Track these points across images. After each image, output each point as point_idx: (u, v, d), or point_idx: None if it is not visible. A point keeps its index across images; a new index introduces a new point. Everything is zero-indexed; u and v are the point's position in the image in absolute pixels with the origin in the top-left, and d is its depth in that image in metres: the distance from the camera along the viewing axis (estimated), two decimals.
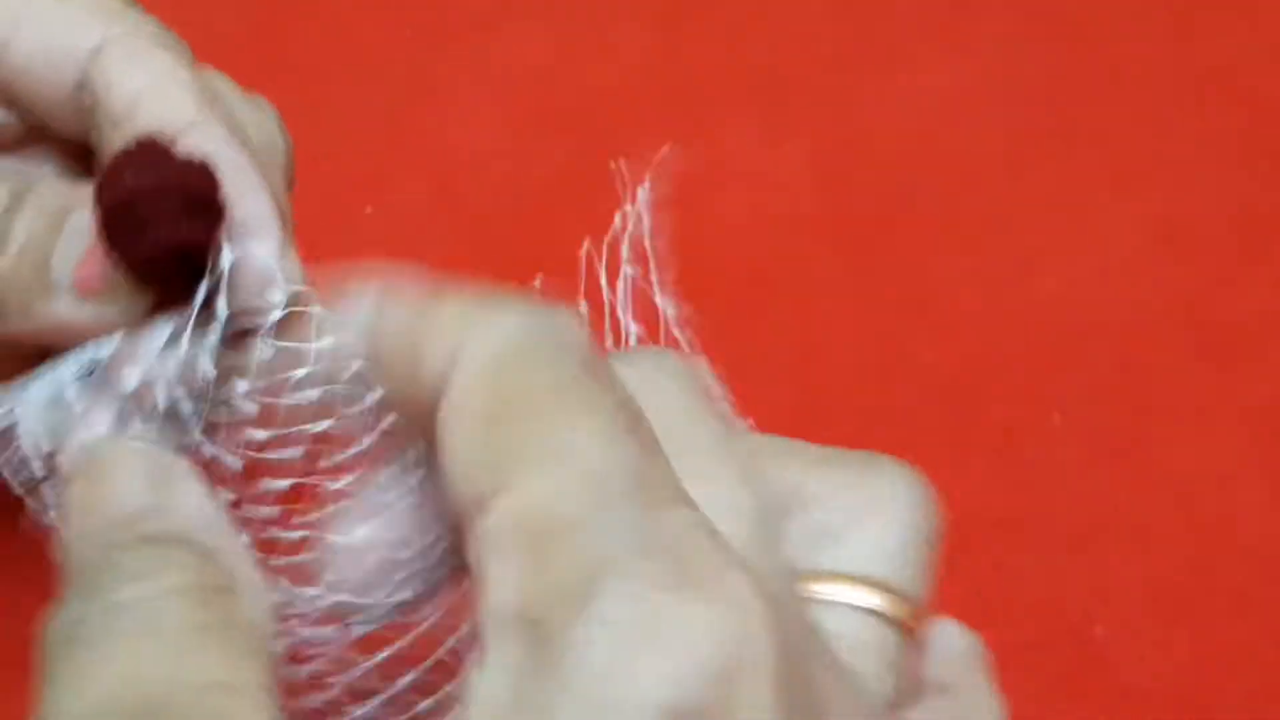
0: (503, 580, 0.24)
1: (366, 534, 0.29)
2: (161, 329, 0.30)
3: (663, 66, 0.56)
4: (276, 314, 0.30)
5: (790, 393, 0.47)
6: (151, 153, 0.30)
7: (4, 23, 0.33)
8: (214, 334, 0.30)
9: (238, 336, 0.31)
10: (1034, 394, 0.48)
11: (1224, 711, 0.41)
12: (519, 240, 0.48)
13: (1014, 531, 0.44)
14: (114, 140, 0.32)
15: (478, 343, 0.26)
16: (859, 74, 0.56)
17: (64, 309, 0.30)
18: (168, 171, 0.29)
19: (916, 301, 0.50)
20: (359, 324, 0.28)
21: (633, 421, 0.26)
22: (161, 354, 0.30)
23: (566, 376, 0.26)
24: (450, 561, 0.29)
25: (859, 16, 0.58)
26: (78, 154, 0.35)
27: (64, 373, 0.30)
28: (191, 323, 0.30)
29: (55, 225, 0.31)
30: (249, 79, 0.58)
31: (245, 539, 0.29)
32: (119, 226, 0.29)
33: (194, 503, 0.28)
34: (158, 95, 0.32)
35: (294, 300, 0.31)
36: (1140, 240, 0.52)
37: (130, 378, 0.30)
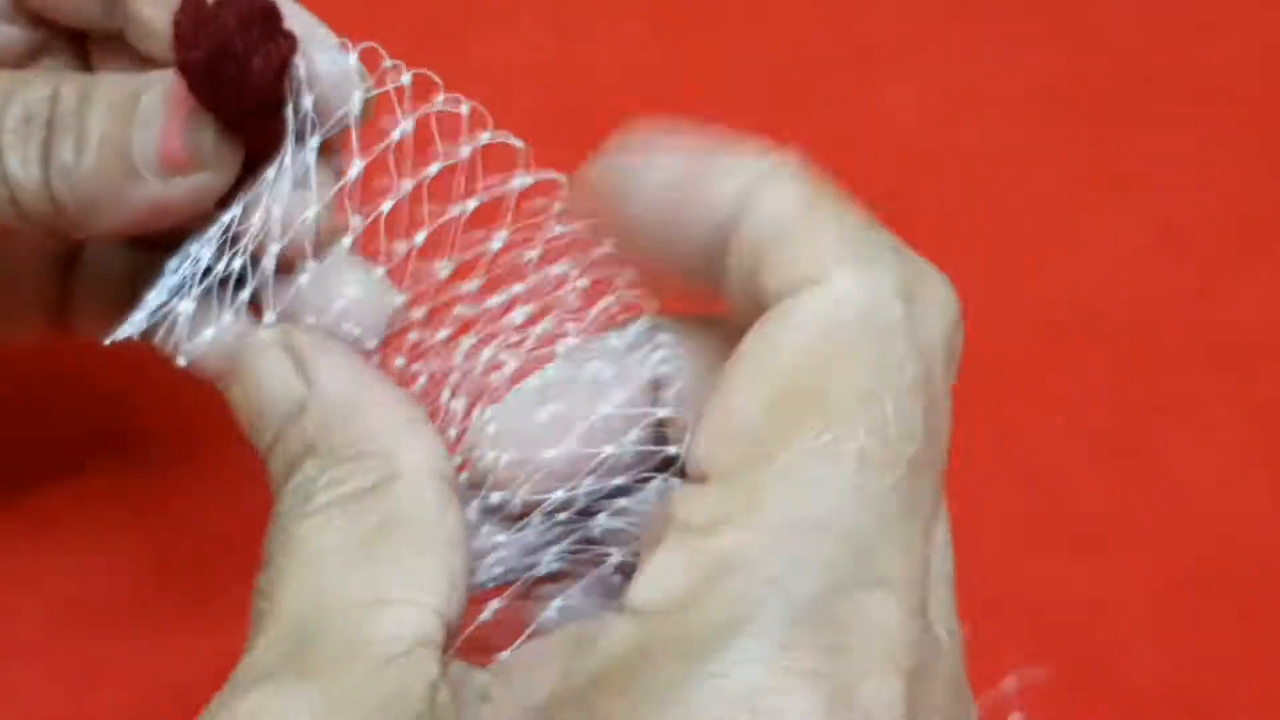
0: (664, 570, 0.24)
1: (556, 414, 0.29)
2: (270, 175, 0.30)
3: (663, 66, 0.56)
4: (357, 106, 0.30)
5: None
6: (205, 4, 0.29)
7: None
8: (311, 152, 0.30)
9: (327, 151, 0.31)
10: (1035, 394, 0.47)
11: (1225, 713, 0.41)
12: None
13: (1015, 532, 0.44)
14: (131, 5, 0.32)
15: (826, 294, 0.25)
16: (859, 74, 0.56)
17: (155, 190, 0.30)
18: (238, 6, 0.29)
19: None
20: (724, 205, 0.26)
21: (918, 473, 0.24)
22: (277, 195, 0.30)
23: (880, 389, 0.24)
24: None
25: (859, 17, 0.58)
26: (84, 63, 0.35)
27: (201, 250, 0.30)
28: (290, 154, 0.30)
29: (128, 113, 0.30)
30: None
31: (416, 396, 0.28)
32: (218, 73, 0.29)
33: (340, 382, 0.28)
34: None
35: (370, 98, 0.31)
36: (1140, 240, 0.52)
37: (272, 232, 0.30)
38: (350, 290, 0.30)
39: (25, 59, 0.35)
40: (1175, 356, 0.49)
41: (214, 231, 0.30)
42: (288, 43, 0.30)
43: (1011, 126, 0.55)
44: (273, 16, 0.29)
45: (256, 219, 0.30)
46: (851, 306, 0.24)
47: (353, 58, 0.31)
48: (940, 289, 0.26)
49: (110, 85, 0.31)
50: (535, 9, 0.58)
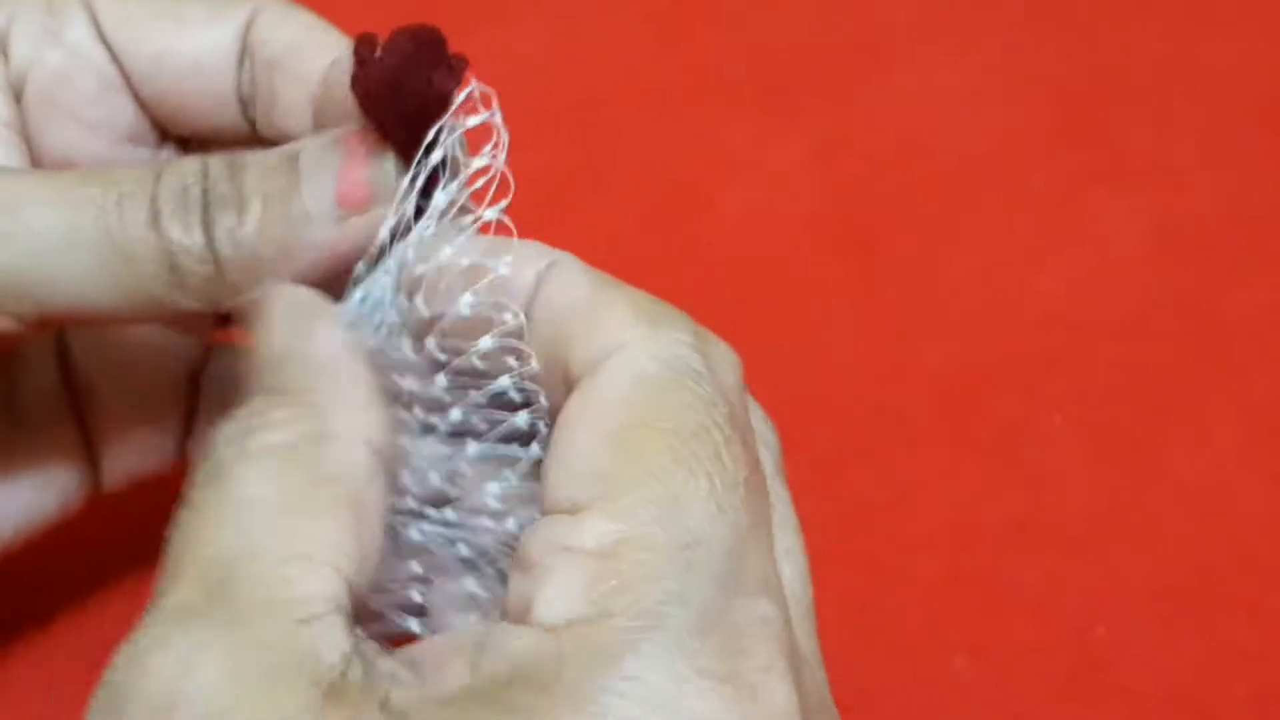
0: (563, 590, 0.26)
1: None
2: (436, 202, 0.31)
3: (663, 66, 0.56)
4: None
5: (790, 392, 0.47)
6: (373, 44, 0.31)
7: (154, 37, 0.35)
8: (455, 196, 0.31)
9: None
10: (1035, 394, 0.47)
11: (1226, 713, 0.41)
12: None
13: (1015, 532, 0.44)
14: (275, 84, 0.34)
15: (635, 352, 0.28)
16: (859, 73, 0.56)
17: (329, 233, 0.31)
18: (411, 32, 0.31)
19: (916, 301, 0.50)
20: (522, 288, 0.29)
21: (753, 491, 0.27)
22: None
23: (707, 423, 0.27)
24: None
25: (859, 16, 0.58)
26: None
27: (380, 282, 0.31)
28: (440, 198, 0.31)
29: (288, 171, 0.31)
30: None
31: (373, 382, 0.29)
32: (401, 90, 0.30)
33: (316, 344, 0.29)
34: (314, 37, 0.34)
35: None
36: (1140, 240, 0.52)
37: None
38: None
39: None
40: (1175, 356, 0.49)
41: (383, 266, 0.31)
42: (460, 64, 0.31)
43: (1011, 125, 0.55)
44: (441, 42, 0.31)
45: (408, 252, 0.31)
46: (658, 360, 0.27)
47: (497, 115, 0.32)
48: (724, 347, 0.29)
49: (257, 154, 0.32)
50: (535, 8, 0.58)
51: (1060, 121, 0.55)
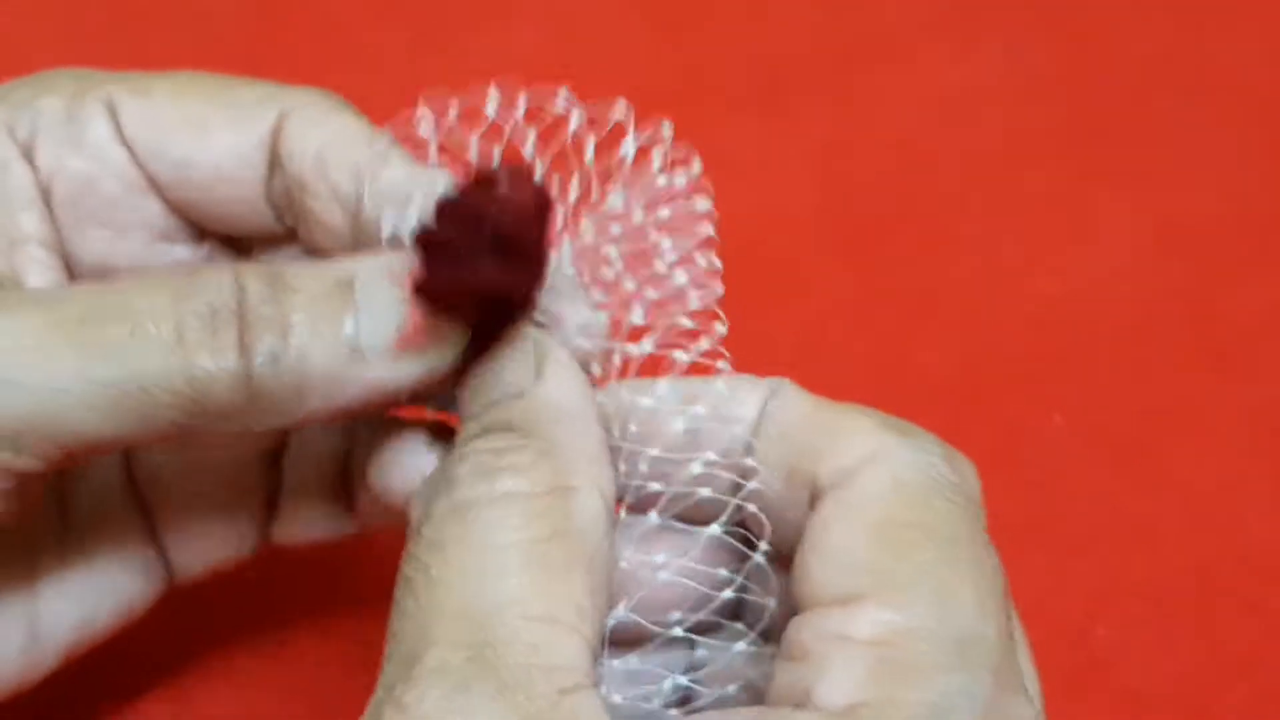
0: (846, 675, 0.26)
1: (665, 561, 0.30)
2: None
3: (663, 66, 0.56)
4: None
5: None
6: (467, 197, 0.29)
7: (177, 143, 0.33)
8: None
9: None
10: (1035, 394, 0.47)
11: (1226, 713, 0.41)
12: None
13: (1015, 532, 0.44)
14: (305, 202, 0.32)
15: (892, 459, 0.28)
16: (860, 73, 0.56)
17: (380, 373, 0.30)
18: (495, 206, 0.29)
19: (916, 301, 0.50)
20: (748, 418, 0.30)
21: (1003, 595, 0.28)
22: None
23: (965, 529, 0.28)
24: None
25: (860, 16, 0.58)
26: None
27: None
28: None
29: (341, 298, 0.30)
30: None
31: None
32: (456, 259, 0.28)
33: (563, 391, 0.29)
34: (348, 148, 0.32)
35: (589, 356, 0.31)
36: (1140, 240, 0.52)
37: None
38: (579, 314, 0.31)
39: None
40: (1174, 356, 0.49)
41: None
42: (539, 264, 0.29)
43: (1012, 125, 0.55)
44: (531, 215, 0.29)
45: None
46: (914, 468, 0.28)
47: (603, 318, 0.31)
48: (966, 460, 0.30)
49: (306, 273, 0.30)
50: (535, 8, 0.58)
51: (1060, 121, 0.55)
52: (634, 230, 0.32)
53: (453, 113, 0.32)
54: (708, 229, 0.32)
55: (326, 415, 0.30)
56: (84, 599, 0.35)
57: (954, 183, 0.53)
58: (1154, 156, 0.54)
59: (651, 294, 0.31)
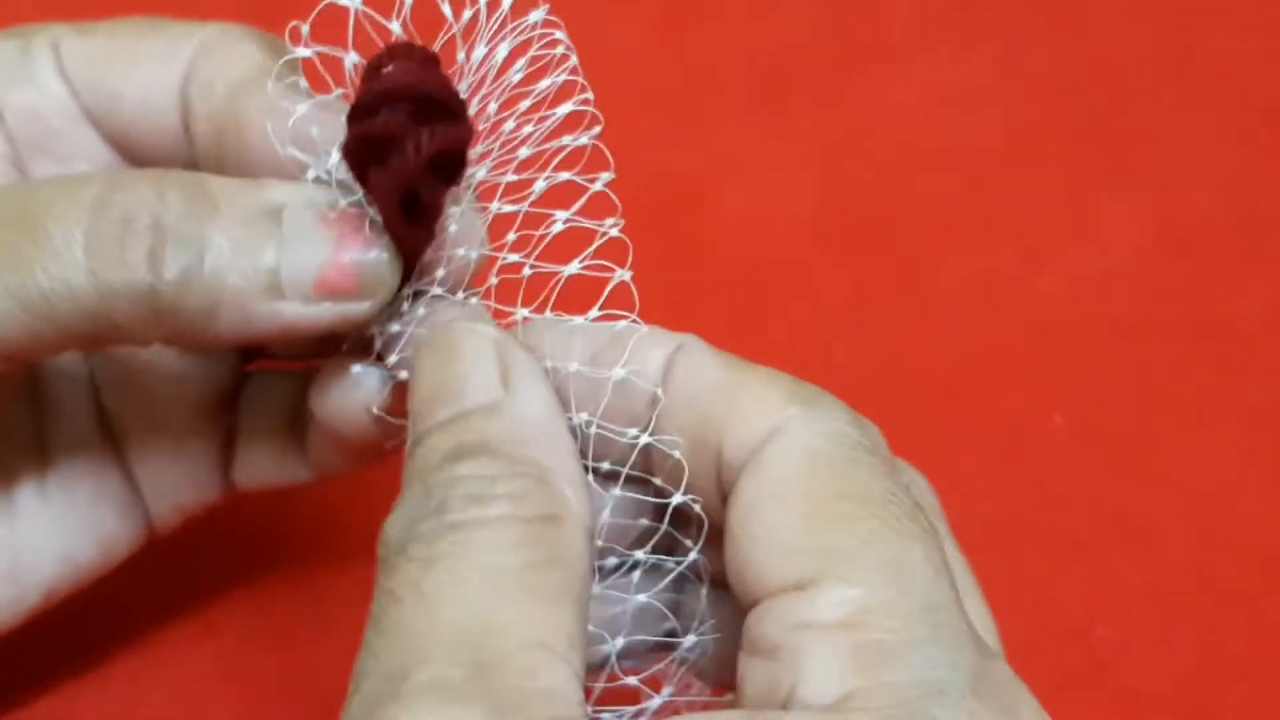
0: (827, 667, 0.26)
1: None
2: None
3: (663, 66, 0.56)
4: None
5: None
6: (366, 90, 0.29)
7: (110, 77, 0.34)
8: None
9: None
10: (1035, 394, 0.47)
11: (1226, 713, 0.41)
12: None
13: (1015, 532, 0.44)
14: (219, 138, 0.32)
15: (800, 431, 0.28)
16: (860, 73, 0.56)
17: (295, 310, 0.30)
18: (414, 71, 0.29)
19: (916, 301, 0.50)
20: (653, 375, 0.29)
21: (936, 548, 0.27)
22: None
23: (893, 490, 0.27)
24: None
25: (860, 16, 0.58)
26: None
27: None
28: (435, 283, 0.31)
29: (267, 227, 0.30)
30: None
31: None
32: (389, 140, 0.28)
33: (538, 406, 0.29)
34: (249, 81, 0.32)
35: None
36: (1140, 240, 0.52)
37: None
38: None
39: None
40: (1175, 356, 0.49)
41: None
42: (463, 126, 0.29)
43: (1011, 125, 0.55)
44: (446, 101, 0.29)
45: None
46: (824, 437, 0.28)
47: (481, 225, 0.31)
48: (869, 422, 0.29)
49: (235, 193, 0.30)
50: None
51: (1060, 121, 0.55)
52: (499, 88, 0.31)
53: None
54: (569, 60, 0.31)
55: (236, 341, 0.31)
56: (64, 531, 0.36)
57: (954, 183, 0.53)
58: (1154, 156, 0.54)
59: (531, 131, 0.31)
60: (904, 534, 0.27)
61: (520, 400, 0.28)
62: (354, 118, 0.29)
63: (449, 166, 0.29)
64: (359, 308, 0.30)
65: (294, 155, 0.30)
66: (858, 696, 0.25)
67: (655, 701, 0.30)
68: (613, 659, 0.30)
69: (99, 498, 0.36)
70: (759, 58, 0.57)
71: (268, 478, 0.37)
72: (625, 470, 0.30)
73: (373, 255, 0.30)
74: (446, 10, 0.31)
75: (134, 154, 0.35)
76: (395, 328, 0.31)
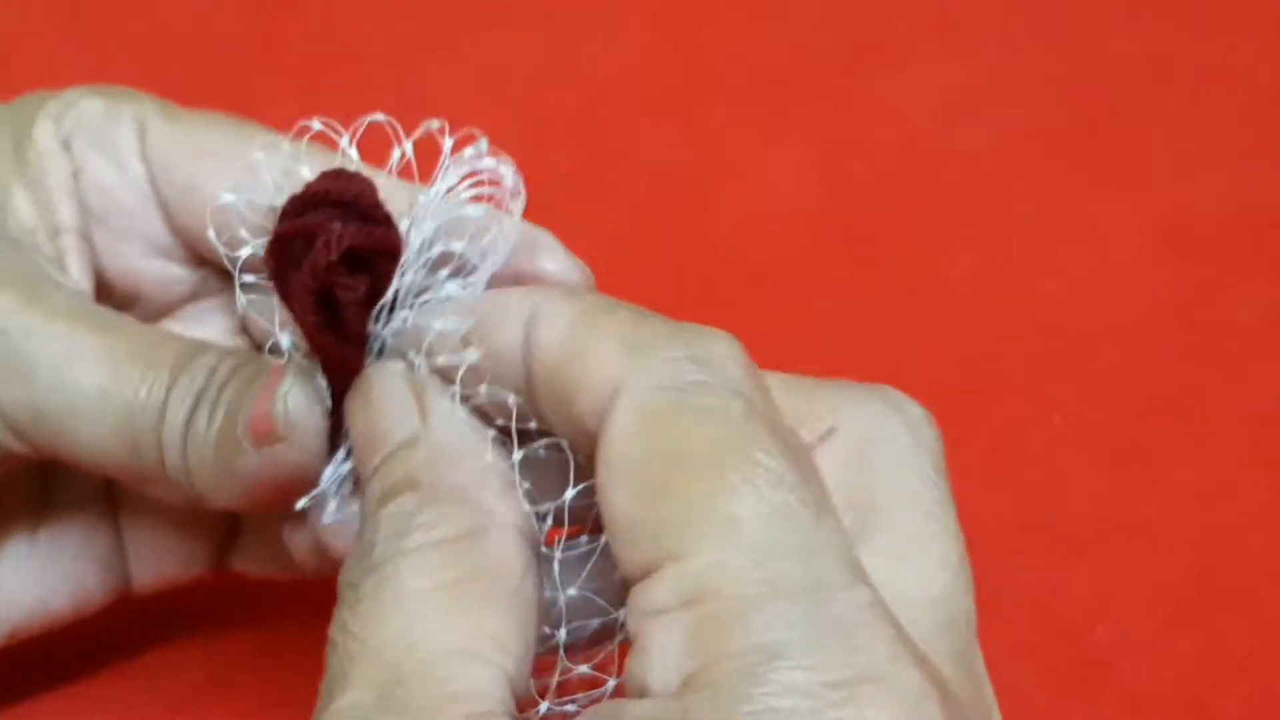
0: (667, 649, 0.25)
1: None
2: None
3: (663, 66, 0.56)
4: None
5: None
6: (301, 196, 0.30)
7: (193, 165, 0.35)
8: None
9: None
10: (1034, 394, 0.47)
11: (1226, 713, 0.41)
12: None
13: (1015, 532, 0.44)
14: None
15: (632, 389, 0.26)
16: (860, 74, 0.56)
17: (250, 461, 0.31)
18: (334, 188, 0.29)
19: (917, 301, 0.50)
20: (510, 344, 0.28)
21: (799, 479, 0.26)
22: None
23: (728, 429, 0.26)
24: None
25: (860, 16, 0.58)
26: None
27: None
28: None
29: (248, 384, 0.31)
30: (248, 79, 0.58)
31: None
32: (292, 250, 0.29)
33: (453, 427, 0.29)
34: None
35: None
36: (1140, 240, 0.52)
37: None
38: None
39: (185, 298, 0.36)
40: (1174, 356, 0.49)
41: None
42: (384, 229, 0.30)
43: (1012, 126, 0.55)
44: (368, 208, 0.29)
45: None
46: (653, 389, 0.26)
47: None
48: (718, 338, 0.27)
49: (255, 360, 0.32)
50: (537, 10, 0.58)
51: (1060, 121, 0.55)
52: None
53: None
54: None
55: (234, 503, 0.32)
56: (43, 581, 0.36)
57: (954, 183, 0.53)
58: (1154, 156, 0.54)
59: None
60: (734, 482, 0.25)
61: (435, 427, 0.29)
62: (278, 221, 0.30)
63: (371, 271, 0.30)
64: (287, 451, 0.31)
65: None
66: (696, 678, 0.24)
67: (610, 685, 0.29)
68: (561, 651, 0.29)
69: (85, 555, 0.37)
70: (759, 58, 0.57)
71: (263, 569, 0.37)
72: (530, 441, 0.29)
73: (283, 393, 0.31)
74: (408, 148, 0.31)
75: (196, 247, 0.35)
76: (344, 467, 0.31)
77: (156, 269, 0.36)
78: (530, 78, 0.56)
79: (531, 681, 0.28)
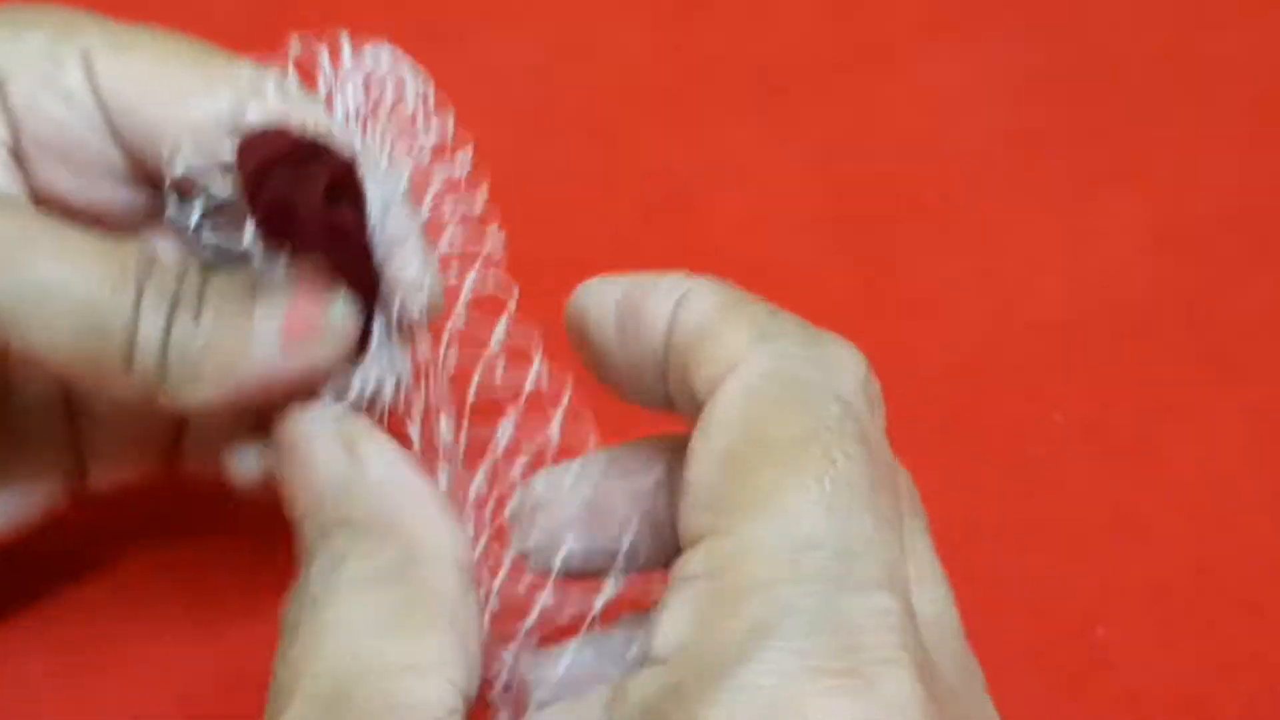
0: (677, 616, 0.25)
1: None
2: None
3: (663, 66, 0.56)
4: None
5: None
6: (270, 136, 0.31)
7: (149, 105, 0.35)
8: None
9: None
10: (1034, 394, 0.47)
11: (1226, 713, 0.41)
12: (518, 240, 0.48)
13: (1015, 532, 0.44)
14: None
15: (745, 370, 0.27)
16: (860, 73, 0.56)
17: (270, 361, 0.31)
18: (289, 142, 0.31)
19: (917, 301, 0.50)
20: (659, 314, 0.29)
21: (869, 486, 0.26)
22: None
23: (818, 426, 0.26)
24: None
25: (860, 15, 0.58)
26: None
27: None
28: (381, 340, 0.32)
29: (247, 289, 0.31)
30: None
31: (441, 485, 0.30)
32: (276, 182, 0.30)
33: (382, 464, 0.30)
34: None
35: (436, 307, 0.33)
36: (1141, 239, 0.52)
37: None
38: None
39: (139, 222, 0.36)
40: (1175, 356, 0.49)
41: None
42: (335, 156, 0.31)
43: (1011, 125, 0.55)
44: (307, 147, 0.31)
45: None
46: (762, 374, 0.27)
47: (433, 276, 0.33)
48: (844, 349, 0.29)
49: (230, 272, 0.32)
50: (536, 9, 0.58)
51: (1061, 121, 0.55)
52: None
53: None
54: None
55: (222, 403, 0.32)
56: (3, 501, 0.36)
57: (954, 183, 0.53)
58: (1154, 156, 0.54)
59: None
60: (805, 474, 0.26)
61: (365, 465, 0.30)
62: (251, 207, 0.31)
63: (347, 192, 0.31)
64: (326, 353, 0.31)
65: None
66: (689, 647, 0.25)
67: (599, 601, 0.30)
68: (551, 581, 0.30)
69: (42, 469, 0.37)
70: (759, 58, 0.57)
71: (216, 464, 0.37)
72: None
73: (328, 301, 0.31)
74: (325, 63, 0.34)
75: (152, 174, 0.35)
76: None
77: (107, 191, 0.35)
78: (531, 79, 0.56)
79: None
